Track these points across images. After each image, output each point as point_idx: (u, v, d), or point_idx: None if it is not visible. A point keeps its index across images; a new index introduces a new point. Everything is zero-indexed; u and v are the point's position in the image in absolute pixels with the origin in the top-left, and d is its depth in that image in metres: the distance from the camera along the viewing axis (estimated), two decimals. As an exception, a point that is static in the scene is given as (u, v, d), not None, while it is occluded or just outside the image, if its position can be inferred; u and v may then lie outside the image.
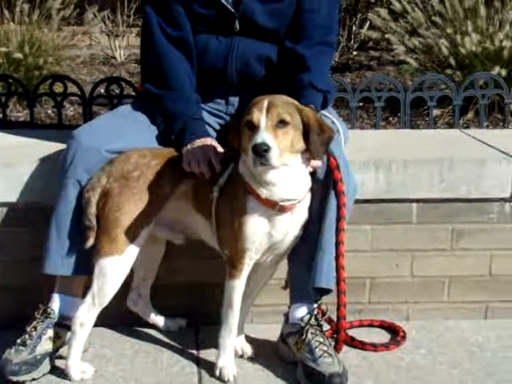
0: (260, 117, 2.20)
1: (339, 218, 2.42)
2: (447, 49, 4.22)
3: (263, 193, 2.28)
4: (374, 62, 5.63)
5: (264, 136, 2.17)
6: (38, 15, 4.70)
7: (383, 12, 4.74)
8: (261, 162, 2.16)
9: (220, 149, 2.46)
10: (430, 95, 3.51)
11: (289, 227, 2.37)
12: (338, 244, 2.43)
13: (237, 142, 2.30)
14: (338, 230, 2.43)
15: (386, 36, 4.68)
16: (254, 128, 2.20)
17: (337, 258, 2.43)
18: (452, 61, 4.20)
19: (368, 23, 5.59)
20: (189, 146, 2.45)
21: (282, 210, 2.32)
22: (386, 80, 3.52)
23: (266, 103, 2.22)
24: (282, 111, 2.22)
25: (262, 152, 2.14)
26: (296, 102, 2.31)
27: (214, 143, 2.48)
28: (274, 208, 2.31)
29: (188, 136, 2.48)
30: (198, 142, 2.46)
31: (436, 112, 3.87)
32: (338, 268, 2.44)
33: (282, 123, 2.22)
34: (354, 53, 5.83)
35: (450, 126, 3.87)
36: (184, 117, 2.52)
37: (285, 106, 2.24)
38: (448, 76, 3.88)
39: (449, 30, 4.30)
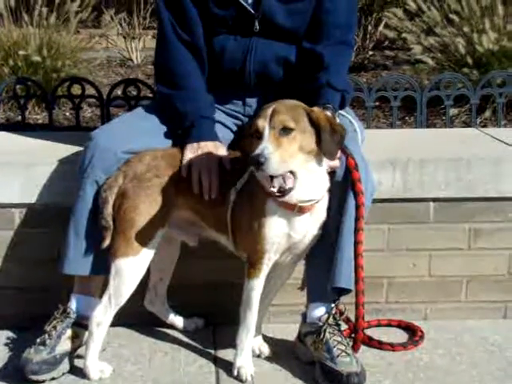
0: (264, 126, 2.21)
1: (358, 218, 2.42)
2: (464, 47, 4.21)
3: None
4: (390, 62, 5.62)
5: (263, 147, 2.17)
6: (55, 18, 4.73)
7: (399, 12, 4.72)
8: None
9: (225, 154, 2.45)
10: (446, 94, 3.50)
11: (308, 227, 2.38)
12: (356, 244, 2.43)
13: (250, 148, 2.30)
14: (357, 230, 2.42)
15: (403, 35, 4.66)
16: (259, 137, 2.21)
17: (355, 257, 2.43)
18: (469, 59, 4.18)
19: (383, 22, 5.58)
20: (195, 145, 2.45)
21: (301, 210, 2.32)
22: (402, 79, 3.51)
23: (270, 111, 2.22)
24: (285, 118, 2.21)
25: (256, 164, 2.15)
26: (304, 105, 2.30)
27: (221, 150, 2.47)
28: (293, 209, 2.31)
29: (195, 134, 2.48)
30: (205, 146, 2.45)
31: (453, 111, 3.85)
32: (357, 267, 2.43)
33: (286, 129, 2.21)
34: (370, 52, 5.81)
35: (467, 124, 3.85)
36: (193, 115, 2.51)
37: (289, 112, 2.23)
38: (465, 75, 3.87)
39: (465, 29, 4.28)
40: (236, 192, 2.38)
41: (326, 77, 2.52)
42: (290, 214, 2.32)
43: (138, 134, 2.51)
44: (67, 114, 4.25)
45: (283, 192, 2.22)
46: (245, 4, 2.55)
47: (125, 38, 5.89)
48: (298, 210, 2.31)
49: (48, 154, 2.80)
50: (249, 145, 2.30)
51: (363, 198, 2.41)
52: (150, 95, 3.44)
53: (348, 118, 2.62)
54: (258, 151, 2.16)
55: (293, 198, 2.28)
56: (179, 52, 2.58)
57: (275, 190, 2.22)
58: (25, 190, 2.72)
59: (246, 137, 2.34)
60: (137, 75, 5.28)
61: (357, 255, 2.44)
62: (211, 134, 2.52)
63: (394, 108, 3.48)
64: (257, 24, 2.58)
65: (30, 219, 2.76)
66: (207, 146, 2.46)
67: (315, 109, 2.31)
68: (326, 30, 2.58)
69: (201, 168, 2.41)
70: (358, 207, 2.41)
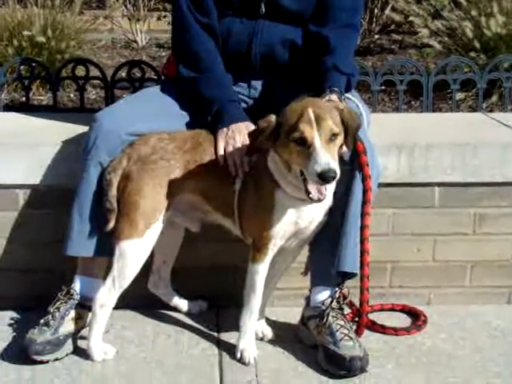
0: (313, 134, 2.15)
1: (365, 202, 2.41)
2: (471, 31, 4.17)
3: (292, 191, 2.28)
4: (396, 46, 5.58)
5: (327, 160, 2.12)
6: (60, -1, 4.72)
7: (405, -5, 4.70)
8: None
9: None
10: (453, 78, 3.47)
11: (315, 214, 2.37)
12: (362, 228, 2.42)
13: (271, 146, 2.26)
14: (363, 214, 2.42)
15: (409, 19, 4.62)
16: (305, 145, 2.15)
17: (361, 242, 2.43)
18: (476, 43, 4.15)
19: (390, 6, 5.54)
20: (225, 130, 2.44)
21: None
22: (409, 63, 3.49)
23: (312, 115, 2.16)
24: (332, 124, 2.17)
25: (330, 179, 2.13)
26: (332, 104, 2.28)
27: (251, 129, 2.43)
28: (304, 200, 2.30)
29: (225, 118, 2.45)
30: (235, 127, 2.43)
31: (459, 95, 3.82)
32: (363, 252, 2.43)
33: (334, 136, 2.19)
34: (376, 36, 5.77)
35: (474, 109, 3.83)
36: (220, 99, 2.49)
37: (331, 115, 2.19)
38: (472, 59, 3.83)
39: (473, 12, 4.24)
40: (241, 181, 2.37)
41: (331, 60, 2.50)
42: (299, 204, 2.32)
43: (142, 116, 2.50)
44: (71, 95, 4.23)
45: (323, 196, 2.21)
46: None
47: (129, 19, 5.86)
48: (307, 201, 2.30)
49: (52, 134, 2.79)
50: (267, 143, 2.25)
51: (371, 182, 2.40)
52: (155, 77, 3.42)
53: (354, 101, 2.60)
54: (324, 166, 2.10)
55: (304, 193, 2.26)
56: (198, 34, 2.55)
57: (315, 197, 2.20)
58: (29, 170, 2.71)
59: (265, 135, 2.24)
60: (141, 57, 5.27)
61: (363, 240, 2.43)
62: (240, 115, 2.49)
63: (400, 92, 3.46)
64: (263, 6, 2.56)
65: (34, 200, 2.76)
66: (238, 128, 2.44)
67: (341, 106, 2.29)
68: (331, 13, 2.56)
69: (234, 152, 2.38)
70: (365, 191, 2.40)
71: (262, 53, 2.60)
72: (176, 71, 2.60)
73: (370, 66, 3.57)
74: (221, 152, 2.41)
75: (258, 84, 2.67)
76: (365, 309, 2.49)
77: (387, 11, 5.68)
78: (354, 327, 2.52)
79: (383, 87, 3.94)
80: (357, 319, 2.55)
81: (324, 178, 2.12)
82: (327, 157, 2.13)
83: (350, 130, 2.25)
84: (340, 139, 2.22)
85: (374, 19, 5.86)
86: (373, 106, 3.42)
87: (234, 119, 2.46)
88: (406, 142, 2.79)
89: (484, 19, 4.14)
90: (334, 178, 2.13)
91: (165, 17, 6.07)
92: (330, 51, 2.52)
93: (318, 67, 2.51)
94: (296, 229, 2.37)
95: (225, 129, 2.44)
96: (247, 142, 2.38)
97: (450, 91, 3.58)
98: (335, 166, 2.14)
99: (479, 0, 4.32)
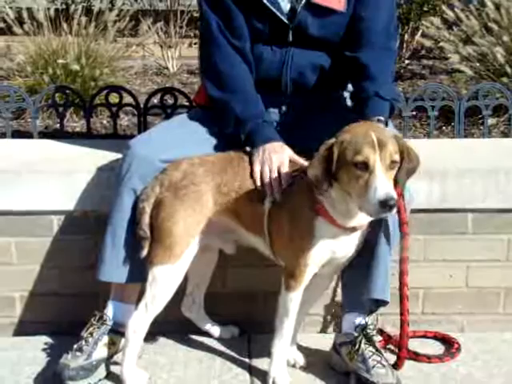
0: (375, 158, 2.11)
1: (402, 223, 2.39)
2: (503, 56, 4.16)
3: (342, 220, 2.27)
4: (427, 71, 5.58)
5: (388, 188, 2.08)
6: (94, 28, 4.80)
7: (436, 21, 4.69)
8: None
9: (294, 156, 2.40)
10: (485, 104, 3.46)
11: (352, 242, 2.37)
12: (402, 250, 2.42)
13: (324, 173, 2.19)
14: (402, 235, 2.40)
15: (440, 44, 4.62)
16: (366, 169, 2.11)
17: (400, 273, 2.43)
18: (508, 69, 4.13)
19: (420, 31, 5.55)
20: (260, 150, 2.42)
21: (354, 230, 2.31)
22: (440, 89, 3.48)
23: (374, 140, 2.12)
24: (392, 150, 2.13)
25: (391, 207, 2.08)
26: (393, 131, 2.26)
27: (287, 150, 2.42)
28: (347, 230, 2.30)
29: (259, 139, 2.44)
30: (270, 147, 2.40)
31: (491, 121, 3.80)
32: (402, 285, 2.43)
33: (393, 163, 2.15)
34: (407, 61, 5.78)
35: (506, 135, 3.80)
36: (255, 120, 2.48)
37: (392, 142, 2.15)
38: (503, 84, 3.81)
39: (505, 38, 4.23)
40: (271, 201, 2.37)
41: (373, 87, 2.48)
42: (340, 232, 2.31)
43: (175, 142, 2.52)
44: (104, 121, 4.29)
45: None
46: (280, 15, 2.55)
47: (161, 46, 5.94)
48: (351, 230, 2.30)
49: (86, 161, 2.83)
50: (344, 172, 2.17)
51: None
52: (187, 104, 3.46)
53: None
54: (387, 195, 2.06)
55: (352, 223, 2.27)
56: (231, 55, 2.56)
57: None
58: (63, 197, 2.75)
59: (321, 160, 2.20)
60: (172, 83, 5.33)
61: (402, 272, 2.43)
62: (273, 134, 2.47)
63: (431, 117, 3.45)
64: (290, 35, 2.57)
65: (68, 226, 2.79)
66: (273, 147, 2.41)
67: (399, 135, 2.28)
68: (367, 38, 2.56)
69: (270, 173, 2.37)
70: (400, 213, 2.38)
71: (293, 78, 2.61)
72: (206, 92, 2.60)
73: (400, 92, 3.57)
74: (257, 173, 2.39)
75: (288, 109, 2.68)
76: (404, 342, 2.46)
77: (417, 37, 5.69)
78: (386, 354, 2.50)
79: (414, 113, 3.94)
80: (394, 349, 2.55)
81: (384, 205, 2.06)
82: (388, 183, 2.09)
83: (404, 166, 2.20)
84: (395, 171, 2.18)
85: (405, 45, 5.87)
86: (404, 132, 3.41)
87: (268, 139, 2.44)
88: (438, 167, 2.78)
89: (516, 45, 4.13)
90: (392, 208, 2.07)
91: (195, 43, 6.15)
92: (369, 78, 2.50)
93: (359, 95, 2.51)
94: (332, 256, 2.36)
95: (260, 149, 2.43)
96: (283, 161, 2.35)
97: (482, 117, 3.56)
98: (394, 193, 2.08)
99: (511, 25, 4.30)
